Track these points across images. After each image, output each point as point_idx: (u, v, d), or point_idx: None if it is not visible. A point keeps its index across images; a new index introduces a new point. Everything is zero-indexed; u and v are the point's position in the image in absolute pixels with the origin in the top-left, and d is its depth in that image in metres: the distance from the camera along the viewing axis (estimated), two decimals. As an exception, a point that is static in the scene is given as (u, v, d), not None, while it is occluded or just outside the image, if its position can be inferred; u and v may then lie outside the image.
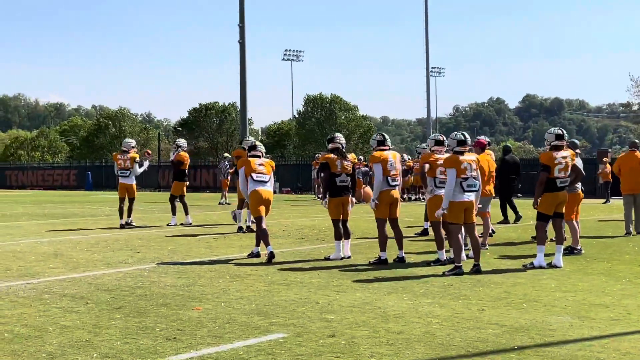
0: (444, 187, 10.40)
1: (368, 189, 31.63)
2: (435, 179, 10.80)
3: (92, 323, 6.69)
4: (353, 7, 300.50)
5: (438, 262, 10.61)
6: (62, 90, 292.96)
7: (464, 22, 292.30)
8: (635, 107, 69.06)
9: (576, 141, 13.27)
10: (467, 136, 10.16)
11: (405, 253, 11.00)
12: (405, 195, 31.64)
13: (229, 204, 28.23)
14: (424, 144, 18.02)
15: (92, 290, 8.45)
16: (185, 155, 18.22)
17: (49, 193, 45.50)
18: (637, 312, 7.27)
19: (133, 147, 17.57)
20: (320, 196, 31.23)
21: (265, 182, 11.45)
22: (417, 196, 32.58)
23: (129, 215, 17.38)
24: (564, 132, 10.79)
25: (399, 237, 10.98)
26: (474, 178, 9.92)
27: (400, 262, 10.75)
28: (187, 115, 77.11)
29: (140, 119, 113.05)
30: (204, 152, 73.09)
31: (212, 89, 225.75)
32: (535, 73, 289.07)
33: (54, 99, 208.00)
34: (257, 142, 12.18)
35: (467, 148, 10.11)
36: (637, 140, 16.46)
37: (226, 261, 10.99)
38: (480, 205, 10.78)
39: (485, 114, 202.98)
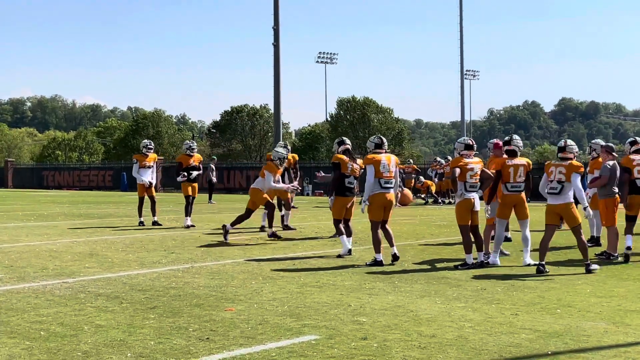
0: (474, 191, 10.79)
1: (407, 191, 31.62)
2: (466, 183, 10.81)
3: (126, 322, 6.77)
4: (387, 9, 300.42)
5: (465, 265, 10.63)
6: (99, 92, 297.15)
7: (499, 24, 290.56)
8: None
9: (613, 145, 13.13)
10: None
11: (435, 259, 11.06)
12: (439, 199, 31.57)
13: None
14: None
15: (127, 290, 8.54)
16: None
17: (85, 193, 46.03)
18: (674, 319, 7.16)
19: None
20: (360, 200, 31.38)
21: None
22: (450, 200, 32.45)
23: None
24: (637, 139, 12.12)
25: (389, 236, 11.20)
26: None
27: (394, 259, 10.95)
28: (220, 117, 77.61)
29: (174, 120, 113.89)
30: (236, 154, 73.47)
31: (247, 90, 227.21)
32: (571, 76, 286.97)
33: (90, 101, 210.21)
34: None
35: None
36: None
37: (259, 263, 11.05)
38: (489, 212, 11.36)
39: (520, 117, 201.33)
